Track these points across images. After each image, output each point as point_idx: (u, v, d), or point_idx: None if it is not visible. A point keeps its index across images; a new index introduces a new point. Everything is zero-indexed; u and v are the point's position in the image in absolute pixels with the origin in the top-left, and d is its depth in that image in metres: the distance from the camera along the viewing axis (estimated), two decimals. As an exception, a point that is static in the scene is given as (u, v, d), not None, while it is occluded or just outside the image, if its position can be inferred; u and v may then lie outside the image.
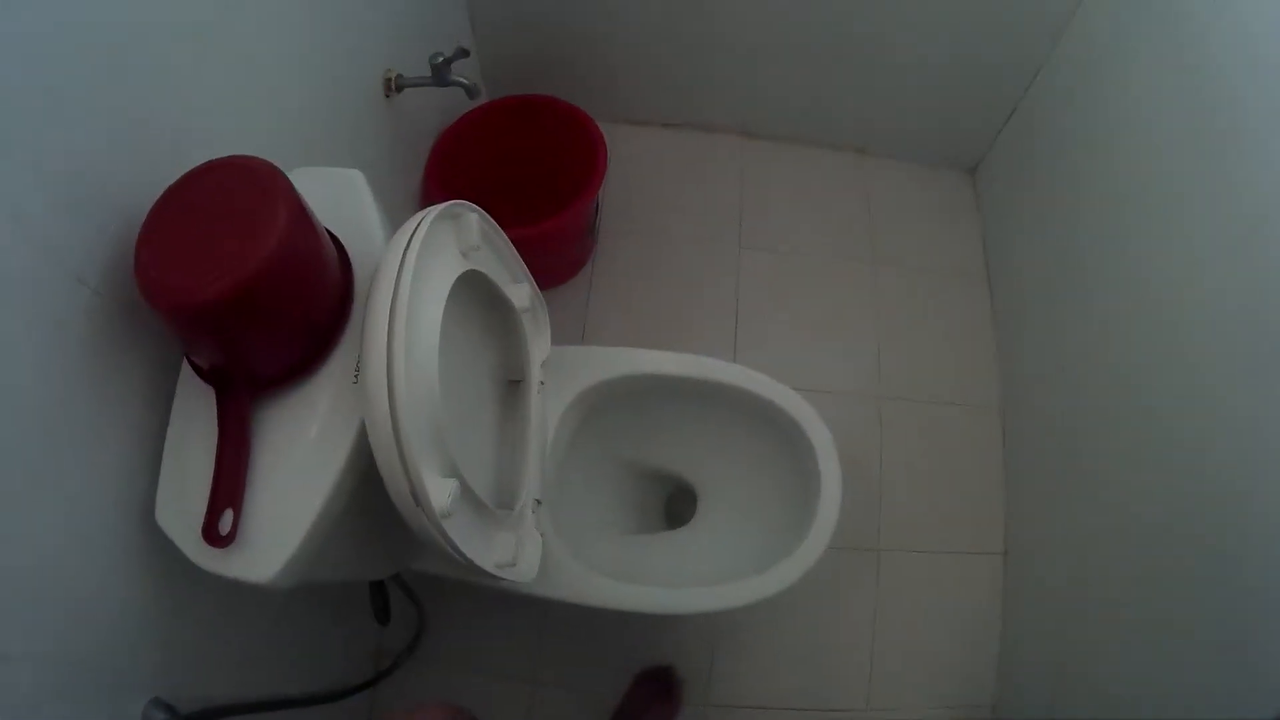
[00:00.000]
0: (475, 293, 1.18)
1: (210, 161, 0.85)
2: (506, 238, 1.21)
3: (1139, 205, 1.60)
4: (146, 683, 0.98)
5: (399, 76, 1.64)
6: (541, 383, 1.40)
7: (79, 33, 0.78)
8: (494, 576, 1.08)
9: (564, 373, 1.49)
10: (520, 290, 1.28)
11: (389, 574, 1.44)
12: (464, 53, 1.63)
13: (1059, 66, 1.96)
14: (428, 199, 1.94)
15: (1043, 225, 2.04)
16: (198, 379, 0.92)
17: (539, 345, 1.40)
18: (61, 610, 0.82)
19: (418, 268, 0.91)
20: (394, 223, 1.05)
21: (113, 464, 0.88)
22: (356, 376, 0.94)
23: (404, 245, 0.92)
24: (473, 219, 1.08)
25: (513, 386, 1.40)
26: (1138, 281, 1.59)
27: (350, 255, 1.00)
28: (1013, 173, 2.25)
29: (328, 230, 0.96)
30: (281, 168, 0.85)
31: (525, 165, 2.19)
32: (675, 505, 1.79)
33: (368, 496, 0.96)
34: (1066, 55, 1.93)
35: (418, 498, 0.88)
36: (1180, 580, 1.37)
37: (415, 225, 0.95)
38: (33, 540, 0.78)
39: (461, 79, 1.63)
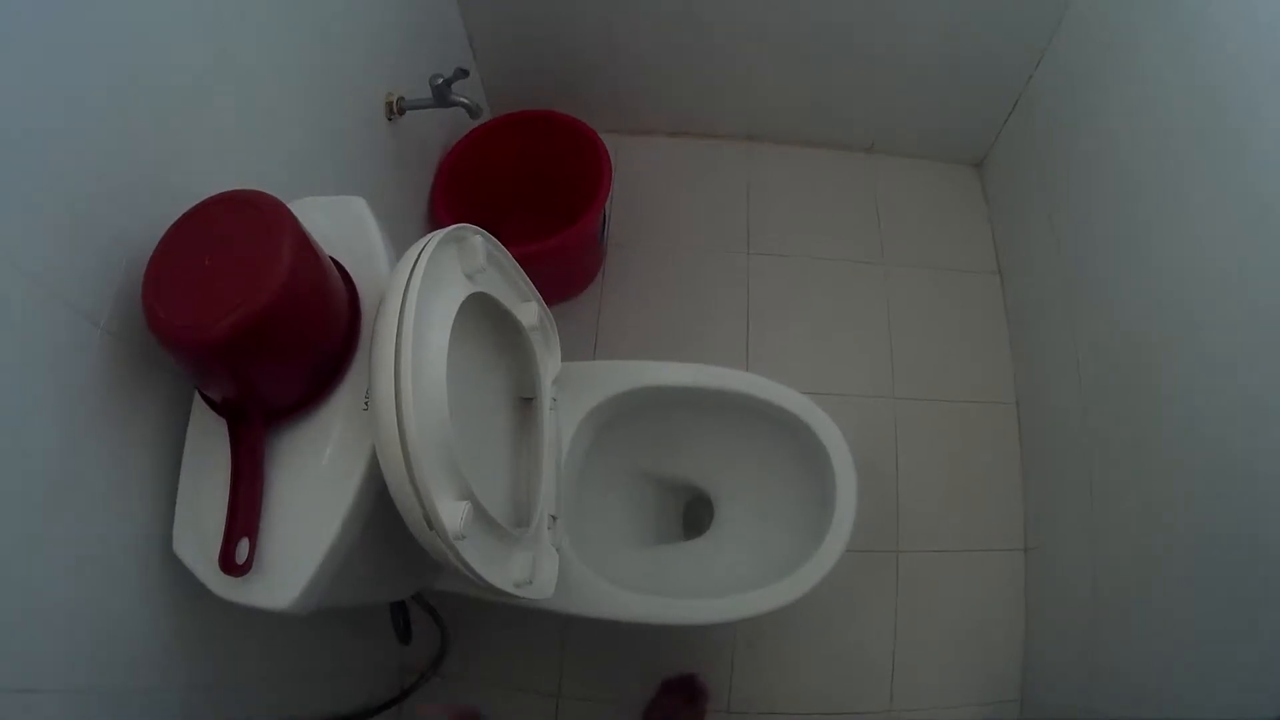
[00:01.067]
0: (483, 313, 1.19)
1: (212, 197, 0.86)
2: (512, 258, 1.22)
3: (1148, 193, 1.60)
4: (173, 710, 0.99)
5: (400, 99, 1.65)
6: (554, 399, 1.41)
7: (79, 69, 0.79)
8: (512, 595, 1.08)
9: (576, 388, 1.50)
10: (528, 309, 1.29)
11: (408, 595, 1.45)
12: (463, 73, 1.64)
13: (1059, 56, 1.96)
14: (435, 220, 1.95)
15: (1051, 217, 2.03)
16: (210, 411, 0.93)
17: (549, 362, 1.41)
18: (88, 644, 0.83)
19: (422, 293, 0.92)
20: (401, 247, 1.06)
21: (130, 498, 0.90)
22: (367, 404, 0.95)
23: (408, 272, 0.92)
24: (477, 241, 1.09)
25: (525, 404, 1.40)
26: (1151, 271, 1.58)
27: (356, 282, 1.01)
28: (1019, 165, 2.25)
29: (333, 259, 0.97)
30: (285, 198, 0.86)
31: (531, 181, 2.20)
32: (692, 514, 1.80)
33: (383, 521, 0.97)
34: (1066, 44, 1.92)
35: (431, 522, 0.89)
36: (1204, 573, 1.37)
37: (418, 252, 0.96)
38: (56, 576, 0.79)
39: (463, 99, 1.65)
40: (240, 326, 0.77)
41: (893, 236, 2.39)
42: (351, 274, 1.01)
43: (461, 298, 1.04)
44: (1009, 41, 2.04)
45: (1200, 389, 1.41)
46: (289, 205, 0.86)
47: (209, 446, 0.93)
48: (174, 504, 0.92)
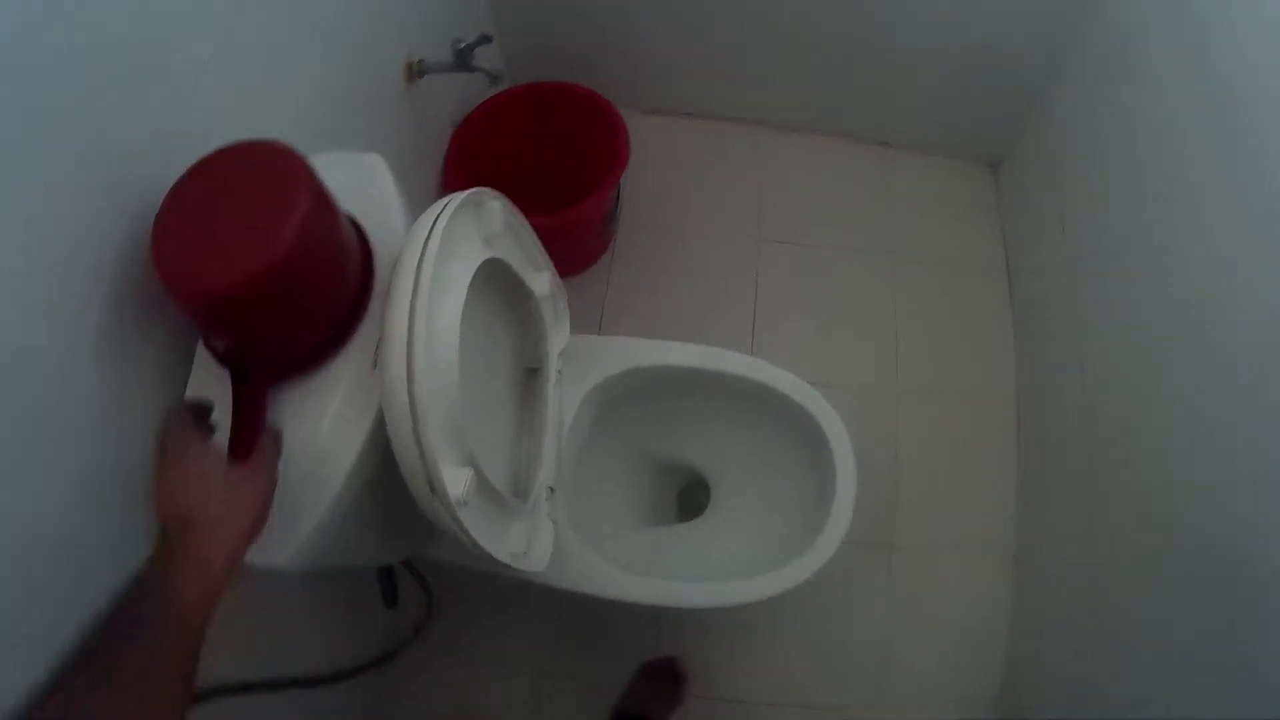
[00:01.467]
0: (496, 279, 1.18)
1: (227, 145, 0.83)
2: (529, 225, 1.21)
3: (1161, 202, 1.58)
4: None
5: (420, 62, 1.63)
6: (559, 371, 1.40)
7: (97, 16, 0.78)
8: (506, 565, 1.08)
9: (581, 362, 1.49)
10: (541, 279, 1.28)
11: (401, 559, 1.44)
12: (487, 39, 1.62)
13: (1082, 63, 1.94)
14: (447, 186, 1.93)
15: (1063, 221, 2.02)
16: (213, 363, 0.91)
17: (558, 334, 1.40)
18: (76, 593, 0.82)
19: (439, 256, 0.90)
20: (413, 210, 1.05)
21: (127, 449, 0.88)
22: (375, 364, 0.93)
23: (426, 233, 0.91)
24: (495, 206, 1.08)
25: (530, 374, 1.40)
26: (1159, 280, 1.57)
27: (370, 240, 0.99)
28: (1035, 169, 2.23)
29: (348, 215, 0.95)
30: (302, 152, 0.84)
31: (545, 153, 2.19)
32: (689, 497, 1.79)
33: (383, 483, 0.96)
34: (1089, 52, 1.90)
35: (434, 487, 0.88)
36: (1197, 581, 1.36)
37: (438, 213, 0.95)
38: (49, 527, 0.78)
39: (484, 65, 1.63)
40: (249, 280, 0.75)
41: (903, 231, 2.37)
42: (366, 231, 0.99)
43: (477, 262, 1.03)
44: (1034, 43, 2.02)
45: (1204, 397, 1.40)
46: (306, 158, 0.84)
47: (211, 395, 0.91)
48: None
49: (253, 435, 0.85)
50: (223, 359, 0.90)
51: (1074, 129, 2.00)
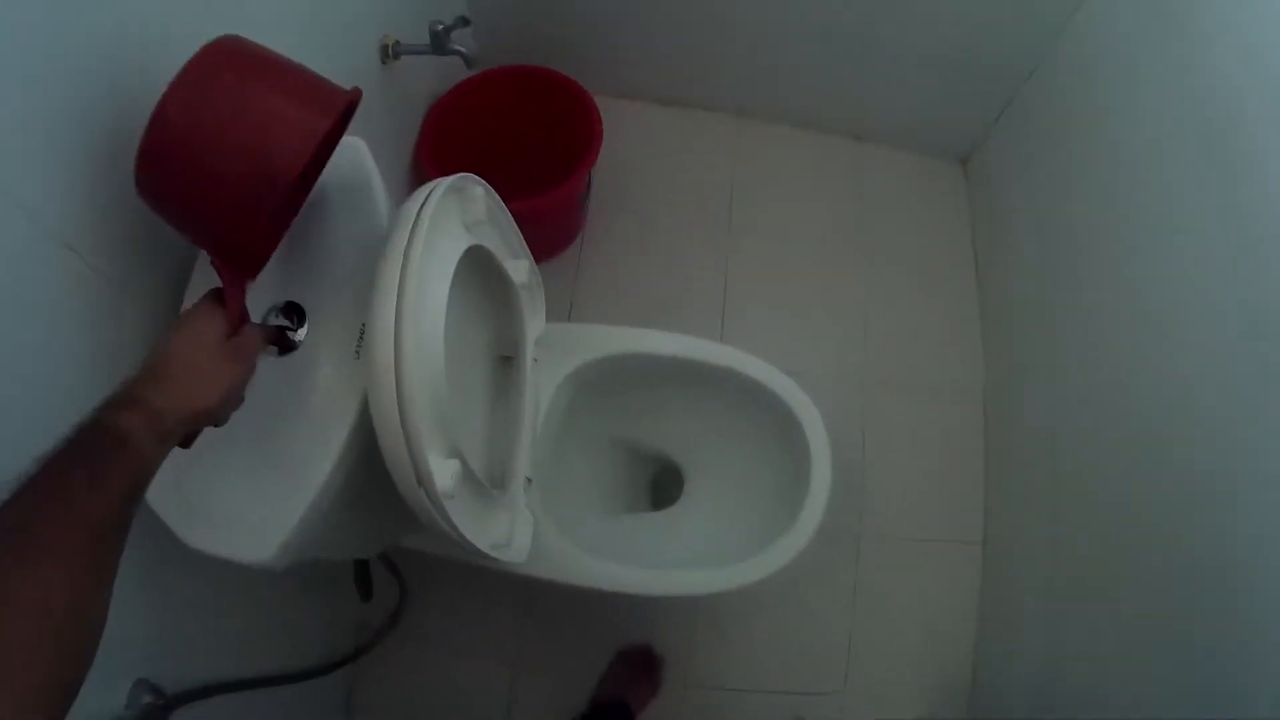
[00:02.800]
0: (474, 266, 1.16)
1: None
2: (509, 212, 1.19)
3: (1131, 206, 1.60)
4: (133, 664, 0.97)
5: (397, 43, 1.61)
6: (534, 359, 1.39)
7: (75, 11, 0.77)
8: (488, 556, 1.06)
9: (556, 350, 1.48)
10: (519, 266, 1.27)
11: (378, 552, 1.43)
12: (465, 21, 1.60)
13: (1058, 63, 1.95)
14: (420, 168, 1.91)
15: (1032, 220, 2.04)
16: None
17: (534, 321, 1.39)
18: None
19: (426, 243, 0.89)
20: (390, 192, 1.04)
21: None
22: (358, 351, 0.92)
23: (412, 219, 0.90)
24: (478, 192, 1.07)
25: (505, 362, 1.38)
26: (1125, 282, 1.60)
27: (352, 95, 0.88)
28: (1005, 166, 2.25)
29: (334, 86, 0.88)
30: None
31: (518, 137, 2.17)
32: (664, 484, 1.79)
33: (364, 475, 0.95)
34: (1066, 52, 1.91)
35: (421, 479, 0.87)
36: (1157, 576, 1.39)
37: (423, 198, 0.93)
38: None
39: (460, 48, 1.61)
40: (146, 146, 0.74)
41: (874, 224, 2.38)
42: (349, 224, 0.97)
43: (461, 249, 1.02)
44: (1009, 43, 2.02)
45: (1165, 397, 1.43)
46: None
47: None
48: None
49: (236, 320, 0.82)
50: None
51: (1044, 128, 2.01)
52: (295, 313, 0.96)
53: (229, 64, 0.79)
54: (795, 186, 2.41)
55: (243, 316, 0.83)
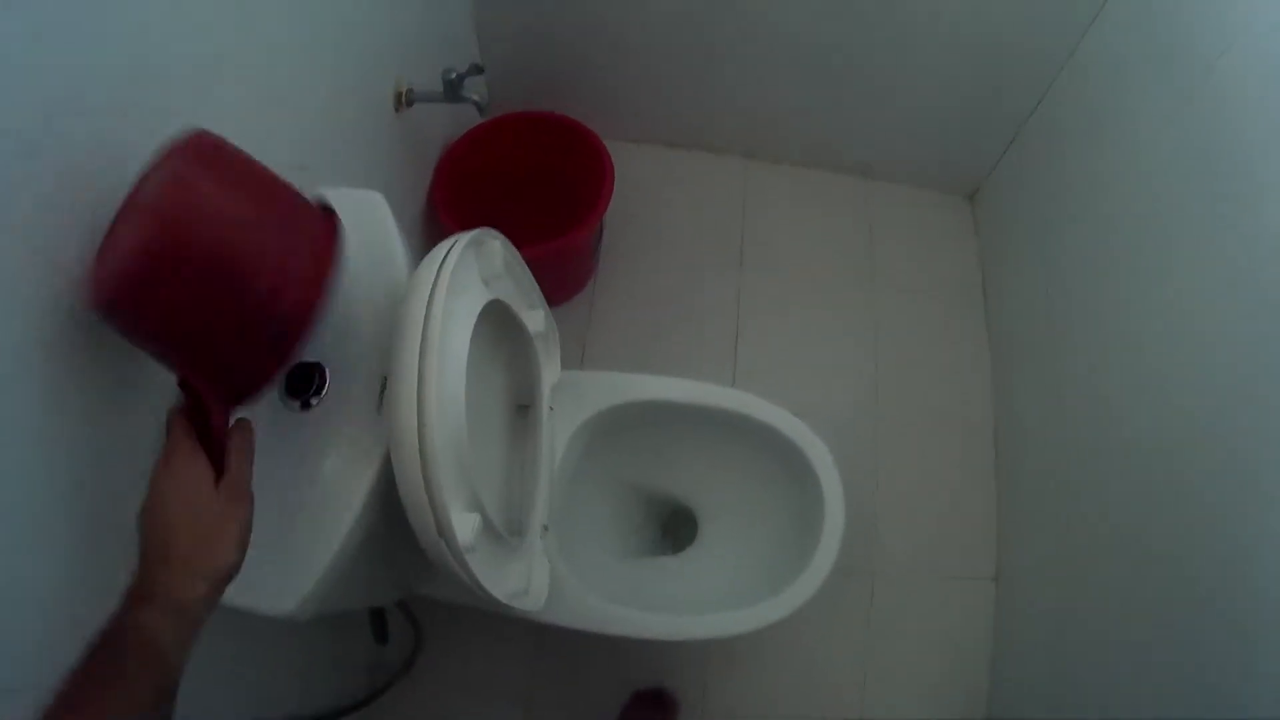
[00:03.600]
0: (491, 317, 1.17)
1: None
2: (525, 264, 1.21)
3: (1134, 244, 1.62)
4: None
5: (410, 90, 1.63)
6: (550, 408, 1.40)
7: (88, 51, 0.75)
8: (506, 606, 1.07)
9: (571, 397, 1.49)
10: (535, 316, 1.28)
11: (396, 599, 1.43)
12: (478, 69, 1.62)
13: (1061, 99, 1.97)
14: (434, 215, 1.93)
15: (1038, 253, 2.06)
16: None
17: (550, 370, 1.40)
18: (62, 640, 0.81)
19: (446, 299, 0.90)
20: (405, 242, 1.05)
21: (111, 486, 0.86)
22: (380, 405, 0.93)
23: (433, 275, 0.91)
24: (496, 246, 1.08)
25: (522, 410, 1.40)
26: (1130, 314, 1.61)
27: (339, 226, 0.86)
28: (1011, 200, 2.27)
29: (322, 201, 0.87)
30: (298, 186, 0.80)
31: (531, 181, 2.19)
32: (678, 528, 1.79)
33: (385, 526, 0.96)
34: (1068, 88, 1.94)
35: (442, 532, 0.88)
36: (1170, 608, 1.39)
37: (443, 255, 0.95)
38: (27, 566, 0.76)
39: (473, 96, 1.63)
40: (124, 272, 0.66)
41: (883, 260, 2.39)
42: (370, 280, 0.98)
43: (481, 304, 1.03)
44: (1012, 80, 2.05)
45: (1171, 429, 1.44)
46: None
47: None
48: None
49: (219, 457, 0.76)
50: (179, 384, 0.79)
51: (1051, 167, 2.03)
52: (316, 372, 0.97)
53: (223, 176, 0.74)
54: (804, 225, 2.43)
55: (223, 445, 0.77)
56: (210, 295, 0.71)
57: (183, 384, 0.77)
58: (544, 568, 1.25)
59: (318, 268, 0.79)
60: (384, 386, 0.93)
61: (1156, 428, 1.49)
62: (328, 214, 0.84)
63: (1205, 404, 1.36)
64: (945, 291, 2.37)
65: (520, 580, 1.12)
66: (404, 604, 1.58)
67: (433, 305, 0.88)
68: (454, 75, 1.61)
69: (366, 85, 1.52)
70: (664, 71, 2.22)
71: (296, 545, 0.88)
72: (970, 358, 2.28)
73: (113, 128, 0.78)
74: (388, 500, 0.90)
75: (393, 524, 0.91)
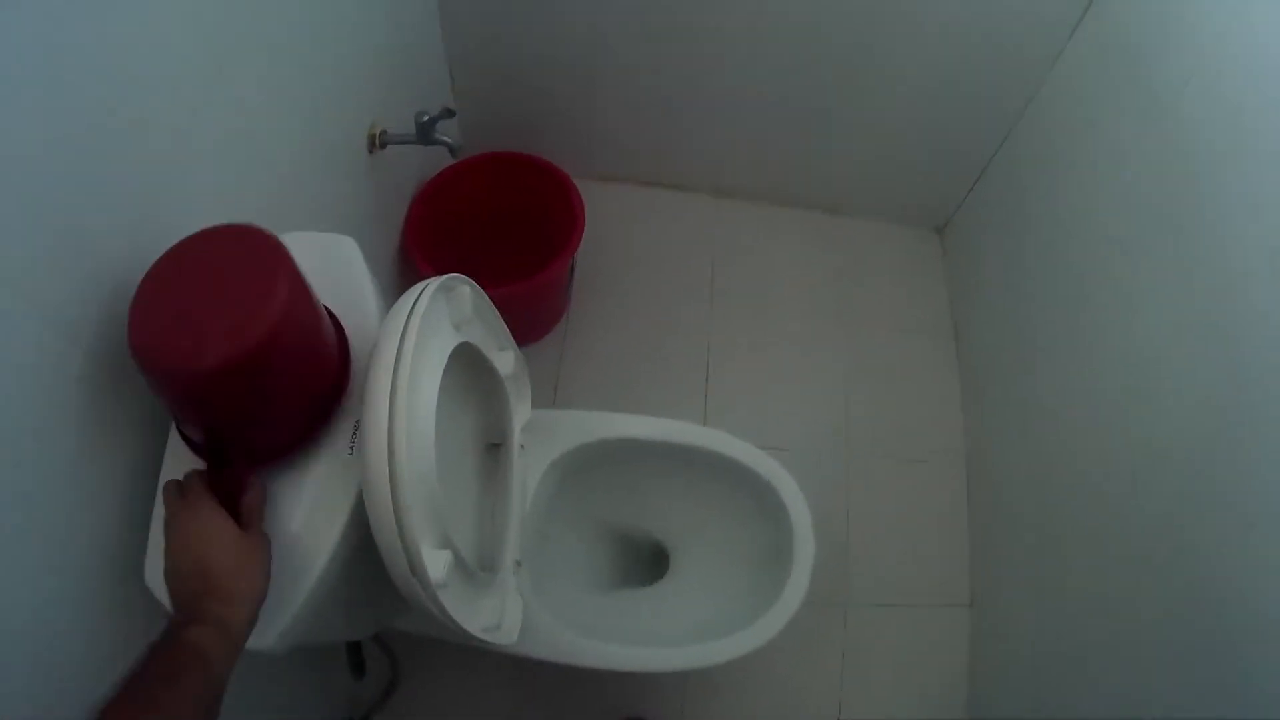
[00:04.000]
0: (461, 359, 1.19)
1: (208, 228, 0.84)
2: (495, 308, 1.24)
3: (1102, 276, 1.66)
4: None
5: (383, 132, 1.66)
6: (521, 446, 1.43)
7: (68, 94, 0.78)
8: (479, 640, 1.09)
9: (543, 435, 1.51)
10: (505, 357, 1.31)
11: (372, 633, 1.45)
12: (450, 113, 1.65)
13: (1029, 132, 2.02)
14: (407, 255, 1.96)
15: (1006, 286, 2.10)
16: (187, 451, 0.92)
17: (520, 409, 1.43)
18: (52, 673, 0.83)
19: (416, 345, 0.93)
20: (377, 281, 1.08)
21: (100, 524, 0.90)
22: (352, 448, 0.96)
23: (403, 322, 0.94)
24: (465, 291, 1.11)
25: (493, 449, 1.42)
26: (1095, 345, 1.66)
27: (346, 328, 1.01)
28: (979, 234, 2.32)
29: (325, 307, 0.97)
30: (270, 226, 0.84)
31: (502, 221, 2.22)
32: (651, 561, 1.81)
33: (361, 561, 0.98)
34: (1037, 121, 1.99)
35: (415, 570, 0.90)
36: (1145, 628, 1.42)
37: (412, 301, 0.97)
38: (19, 602, 0.79)
39: (445, 138, 1.66)
40: (231, 359, 0.75)
41: (853, 295, 2.44)
42: (341, 318, 1.01)
43: (450, 348, 1.06)
44: (980, 114, 2.11)
45: (1144, 457, 1.48)
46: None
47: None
48: (147, 534, 0.91)
49: (235, 514, 0.86)
50: (199, 445, 0.91)
51: (1016, 196, 2.08)
52: None
53: (305, 291, 0.86)
54: (774, 261, 2.47)
55: (242, 505, 0.88)
56: (276, 389, 0.87)
57: (209, 447, 0.90)
58: (517, 602, 1.27)
59: (344, 358, 0.99)
60: (357, 429, 0.96)
61: (1121, 456, 1.53)
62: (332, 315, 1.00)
63: (1168, 432, 1.40)
64: (915, 324, 2.42)
65: (493, 615, 1.14)
66: (380, 638, 1.59)
67: (402, 352, 0.91)
68: (426, 118, 1.64)
69: (341, 128, 1.55)
70: (635, 110, 2.26)
71: (275, 583, 0.90)
72: (941, 389, 2.33)
73: (94, 171, 0.83)
74: (362, 538, 0.92)
75: (367, 560, 0.93)
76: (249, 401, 0.85)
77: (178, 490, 0.85)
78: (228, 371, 0.76)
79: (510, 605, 1.24)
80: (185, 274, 0.82)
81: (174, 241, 0.83)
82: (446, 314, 1.09)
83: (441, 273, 1.07)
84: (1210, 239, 1.35)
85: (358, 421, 0.95)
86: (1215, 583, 1.26)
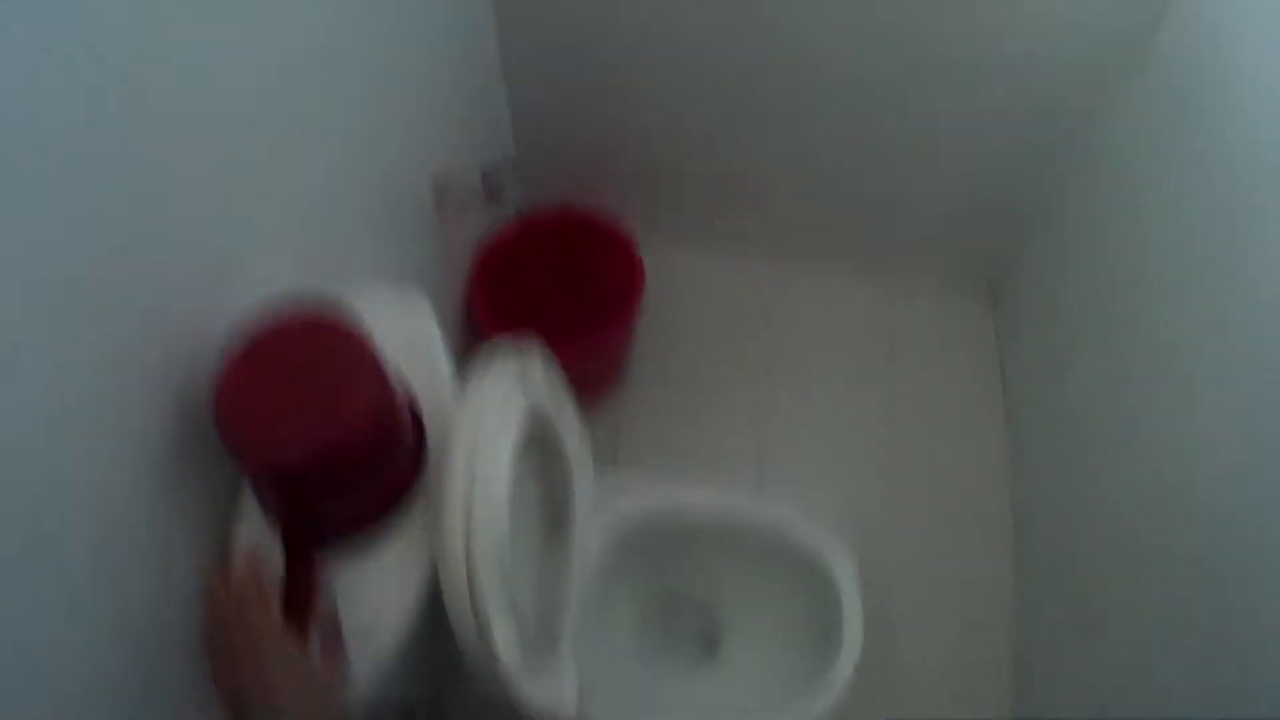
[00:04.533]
0: (531, 432, 1.20)
1: (295, 316, 0.86)
2: (562, 376, 1.24)
3: (1155, 343, 1.61)
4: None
5: (447, 188, 1.67)
6: (583, 516, 1.42)
7: (123, 159, 0.76)
8: (539, 714, 1.08)
9: (602, 504, 1.51)
10: (571, 427, 1.31)
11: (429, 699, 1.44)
12: (515, 167, 1.66)
13: (1080, 193, 1.99)
14: (472, 312, 1.97)
15: (1057, 350, 2.07)
16: (260, 521, 0.93)
17: (583, 480, 1.42)
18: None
19: (489, 417, 0.93)
20: (446, 343, 1.09)
21: (179, 589, 0.89)
22: (429, 526, 0.95)
23: (479, 397, 0.94)
24: (537, 361, 1.11)
25: (554, 518, 1.41)
26: (1150, 418, 1.60)
27: (421, 408, 1.02)
28: (1031, 297, 2.29)
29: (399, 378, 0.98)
30: (343, 282, 0.87)
31: (563, 278, 2.23)
32: (700, 636, 1.79)
33: (427, 629, 0.97)
34: (1084, 184, 1.96)
35: (487, 645, 0.90)
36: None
37: (487, 373, 0.98)
38: (95, 663, 0.78)
39: (509, 194, 1.67)
40: (318, 454, 0.78)
41: (904, 360, 2.42)
42: (411, 378, 1.02)
43: (522, 421, 1.06)
44: (1030, 180, 2.10)
45: (1192, 538, 1.42)
46: (349, 292, 0.87)
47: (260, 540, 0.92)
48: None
49: (306, 604, 0.85)
50: (278, 525, 0.91)
51: (1070, 260, 2.04)
52: None
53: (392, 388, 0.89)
54: (828, 326, 2.47)
55: (315, 593, 0.87)
56: (356, 480, 0.89)
57: (284, 530, 0.90)
58: (574, 677, 1.26)
59: (420, 441, 1.01)
60: (429, 503, 0.96)
61: (1180, 534, 1.47)
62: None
63: (1223, 512, 1.34)
64: (965, 392, 2.40)
65: (553, 688, 1.13)
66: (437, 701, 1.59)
67: (482, 426, 0.91)
68: (491, 175, 1.65)
69: (403, 183, 1.57)
70: (697, 173, 2.28)
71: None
72: (990, 457, 2.30)
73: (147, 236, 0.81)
74: (432, 606, 0.92)
75: (435, 629, 0.93)
76: (333, 490, 0.87)
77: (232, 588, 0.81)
78: (313, 465, 0.79)
79: (568, 679, 1.23)
80: (271, 362, 0.83)
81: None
82: (519, 385, 1.09)
83: (504, 331, 1.08)
84: (1265, 287, 1.30)
85: (430, 496, 0.95)
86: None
